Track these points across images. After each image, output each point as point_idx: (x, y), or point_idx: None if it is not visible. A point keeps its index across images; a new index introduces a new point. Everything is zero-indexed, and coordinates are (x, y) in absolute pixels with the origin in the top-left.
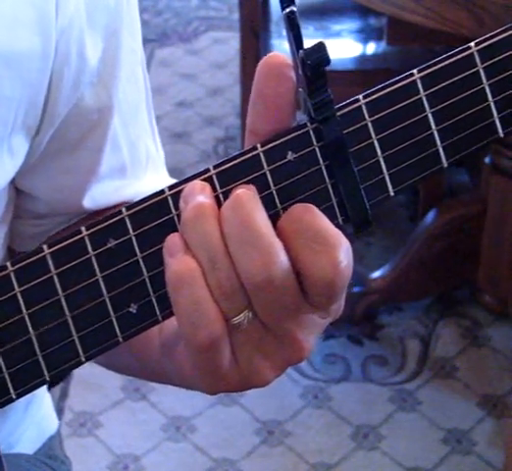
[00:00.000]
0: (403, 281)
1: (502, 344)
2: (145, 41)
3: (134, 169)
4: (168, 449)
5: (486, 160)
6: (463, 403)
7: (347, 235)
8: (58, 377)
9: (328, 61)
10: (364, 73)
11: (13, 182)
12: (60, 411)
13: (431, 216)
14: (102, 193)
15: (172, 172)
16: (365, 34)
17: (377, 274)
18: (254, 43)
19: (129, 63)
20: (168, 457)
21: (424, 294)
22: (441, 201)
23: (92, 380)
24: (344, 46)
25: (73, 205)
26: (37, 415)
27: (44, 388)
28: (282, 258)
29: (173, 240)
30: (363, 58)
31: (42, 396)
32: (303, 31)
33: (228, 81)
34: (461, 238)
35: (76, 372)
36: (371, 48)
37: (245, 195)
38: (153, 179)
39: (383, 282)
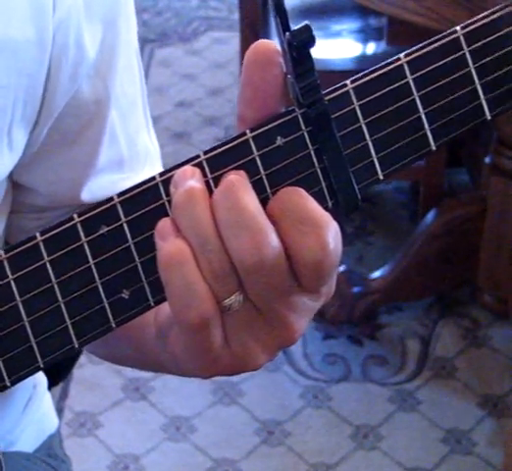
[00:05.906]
0: (403, 281)
1: (502, 344)
2: (145, 41)
3: (132, 162)
4: (168, 449)
5: (487, 160)
6: (463, 403)
7: (347, 236)
8: (57, 375)
9: (313, 41)
10: None
11: (11, 175)
12: (60, 411)
13: (431, 216)
14: (100, 186)
15: None
16: (365, 34)
17: (377, 274)
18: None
19: (126, 55)
20: (168, 457)
21: (424, 294)
22: (441, 201)
23: (92, 380)
24: (344, 46)
25: (71, 198)
26: (37, 413)
27: (44, 386)
28: (274, 240)
29: (164, 224)
30: (363, 58)
31: (42, 395)
32: None
33: (228, 81)
34: (461, 238)
35: (76, 372)
36: (371, 48)
37: (236, 180)
38: (150, 173)
39: (383, 282)
